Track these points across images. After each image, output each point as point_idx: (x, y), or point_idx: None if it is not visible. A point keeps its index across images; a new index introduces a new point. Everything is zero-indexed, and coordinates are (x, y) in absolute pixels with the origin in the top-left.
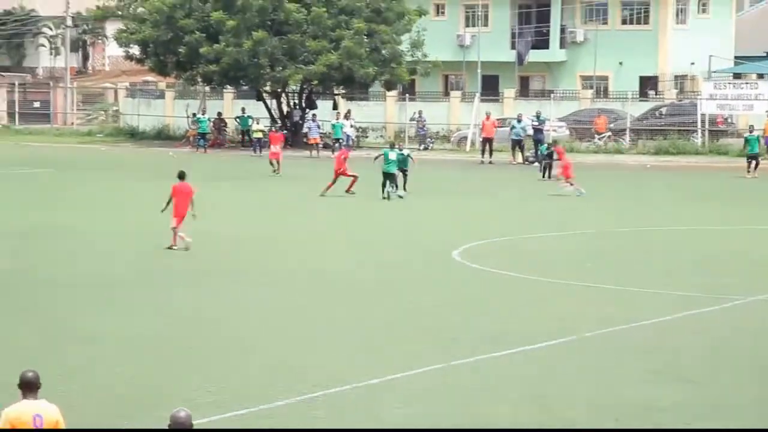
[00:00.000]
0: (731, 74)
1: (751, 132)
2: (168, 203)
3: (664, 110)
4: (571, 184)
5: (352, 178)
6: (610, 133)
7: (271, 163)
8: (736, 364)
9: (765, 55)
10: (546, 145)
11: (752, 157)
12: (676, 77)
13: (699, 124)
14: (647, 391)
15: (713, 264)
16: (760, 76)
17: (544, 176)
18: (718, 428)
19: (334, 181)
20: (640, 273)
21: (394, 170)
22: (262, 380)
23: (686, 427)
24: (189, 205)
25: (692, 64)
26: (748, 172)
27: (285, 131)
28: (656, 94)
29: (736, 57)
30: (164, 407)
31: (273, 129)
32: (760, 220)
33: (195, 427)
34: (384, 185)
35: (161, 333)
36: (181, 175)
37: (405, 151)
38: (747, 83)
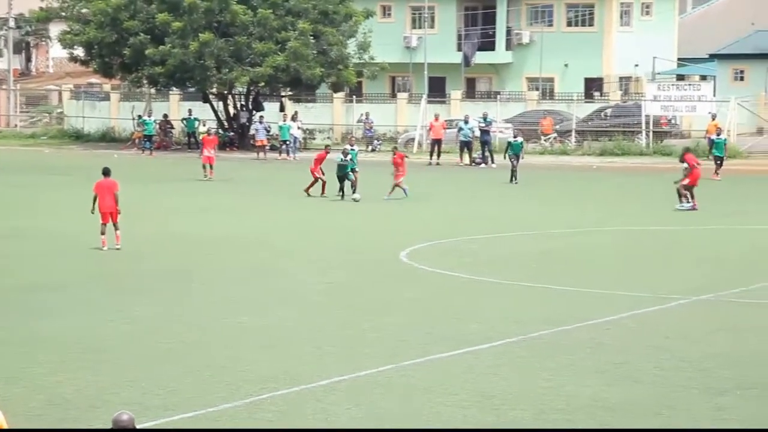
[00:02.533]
0: (674, 76)
1: (718, 135)
2: (95, 203)
3: (608, 111)
4: (398, 186)
5: (321, 182)
6: (555, 135)
7: (204, 167)
8: (681, 364)
9: (707, 57)
10: (512, 141)
11: (717, 160)
12: (621, 79)
13: (643, 126)
14: (594, 391)
15: (658, 264)
16: (703, 77)
17: (511, 180)
18: (717, 428)
19: (316, 180)
20: (585, 273)
21: (343, 173)
22: (209, 382)
23: (632, 426)
24: (114, 202)
25: (636, 65)
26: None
27: (232, 133)
28: (601, 96)
29: (679, 59)
30: (109, 410)
31: (207, 132)
32: (704, 221)
33: (140, 429)
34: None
35: (106, 336)
36: (106, 172)
37: (355, 147)
38: (690, 85)
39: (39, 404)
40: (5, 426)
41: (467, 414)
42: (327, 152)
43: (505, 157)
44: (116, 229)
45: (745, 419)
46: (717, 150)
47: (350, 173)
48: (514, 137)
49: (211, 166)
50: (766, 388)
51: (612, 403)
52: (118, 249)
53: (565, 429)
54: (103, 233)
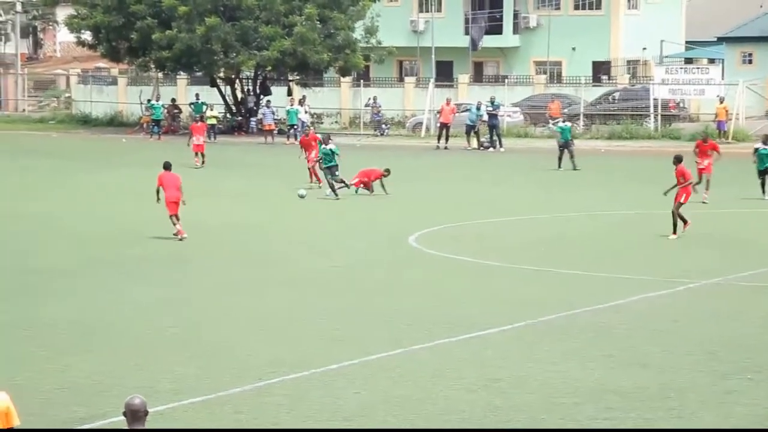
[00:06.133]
0: (682, 59)
1: (765, 144)
2: (159, 194)
3: (616, 95)
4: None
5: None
6: (563, 118)
7: (197, 155)
8: (689, 348)
9: (715, 40)
10: (562, 126)
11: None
12: (629, 62)
13: (651, 109)
14: (601, 375)
15: (666, 248)
16: (711, 60)
17: (559, 166)
18: (721, 428)
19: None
20: (593, 257)
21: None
22: (217, 366)
23: (639, 410)
24: (180, 193)
25: (644, 49)
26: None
27: (240, 117)
28: (609, 79)
29: (687, 42)
30: (119, 394)
31: (195, 120)
32: (713, 204)
33: (151, 413)
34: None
35: (117, 321)
36: (168, 166)
37: (331, 146)
38: (698, 68)
39: (49, 388)
40: (11, 406)
41: (475, 397)
42: (311, 137)
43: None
44: (178, 219)
45: (753, 403)
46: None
47: (334, 168)
48: (563, 122)
49: (201, 154)
50: None
51: (619, 386)
52: (184, 238)
53: (561, 429)
54: (174, 223)
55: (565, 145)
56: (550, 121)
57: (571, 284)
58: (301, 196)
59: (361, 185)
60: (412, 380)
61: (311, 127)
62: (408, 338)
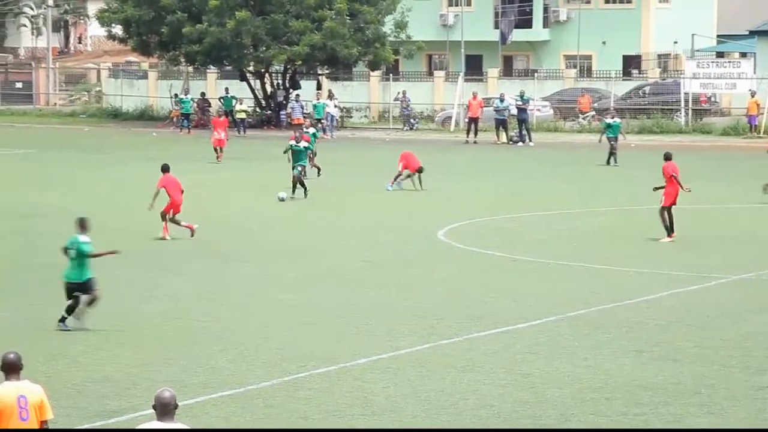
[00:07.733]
0: (714, 53)
1: None
2: (155, 198)
3: (647, 89)
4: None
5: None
6: (594, 113)
7: (215, 150)
8: (721, 343)
9: (747, 33)
10: (609, 122)
11: None
12: (659, 56)
13: (682, 103)
14: (632, 369)
15: (697, 243)
16: (743, 54)
17: (608, 161)
18: (719, 428)
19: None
20: (624, 252)
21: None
22: (247, 360)
23: (669, 405)
24: (181, 196)
25: (675, 42)
26: None
27: (269, 111)
28: (639, 73)
29: (718, 36)
30: (150, 387)
31: (219, 114)
32: (743, 199)
33: (181, 407)
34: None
35: (147, 314)
36: (167, 168)
37: (303, 143)
38: (730, 62)
39: (80, 381)
40: (45, 399)
41: (504, 392)
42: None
43: (600, 140)
44: (177, 222)
45: None
46: None
47: (302, 165)
48: (612, 118)
49: (221, 149)
50: None
51: (651, 381)
52: (167, 239)
53: (557, 429)
54: (177, 221)
55: (614, 140)
56: (580, 115)
57: (602, 279)
58: (282, 199)
59: (402, 172)
60: (441, 375)
61: (304, 130)
62: (437, 333)
